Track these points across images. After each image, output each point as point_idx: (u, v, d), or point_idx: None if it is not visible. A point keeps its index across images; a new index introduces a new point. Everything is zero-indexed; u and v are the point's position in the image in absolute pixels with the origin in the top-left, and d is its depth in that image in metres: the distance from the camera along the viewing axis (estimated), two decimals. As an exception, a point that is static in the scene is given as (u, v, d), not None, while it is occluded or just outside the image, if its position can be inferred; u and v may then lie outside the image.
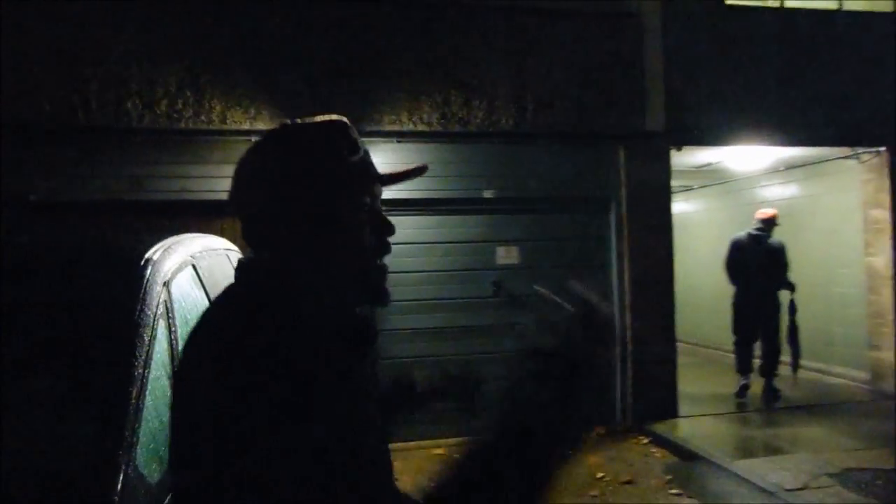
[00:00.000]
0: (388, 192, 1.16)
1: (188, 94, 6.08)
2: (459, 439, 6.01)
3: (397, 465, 1.17)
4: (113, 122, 5.97)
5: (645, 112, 6.82)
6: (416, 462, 5.87)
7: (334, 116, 1.14)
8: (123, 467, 1.70)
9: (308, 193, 1.06)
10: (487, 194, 6.66)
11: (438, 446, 6.29)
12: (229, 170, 1.14)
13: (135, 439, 1.77)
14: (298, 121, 1.13)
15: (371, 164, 1.14)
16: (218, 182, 5.94)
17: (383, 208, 1.16)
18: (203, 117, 6.10)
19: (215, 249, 3.13)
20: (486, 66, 6.50)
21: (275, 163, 1.09)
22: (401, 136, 6.41)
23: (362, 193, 1.11)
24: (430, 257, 6.58)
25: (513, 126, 6.56)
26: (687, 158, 7.60)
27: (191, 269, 2.60)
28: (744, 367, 7.36)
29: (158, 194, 6.14)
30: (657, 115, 6.84)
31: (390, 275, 1.17)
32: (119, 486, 1.65)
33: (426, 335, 6.55)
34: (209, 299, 2.62)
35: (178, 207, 6.11)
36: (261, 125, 6.10)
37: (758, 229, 7.25)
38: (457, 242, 6.66)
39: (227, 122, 6.13)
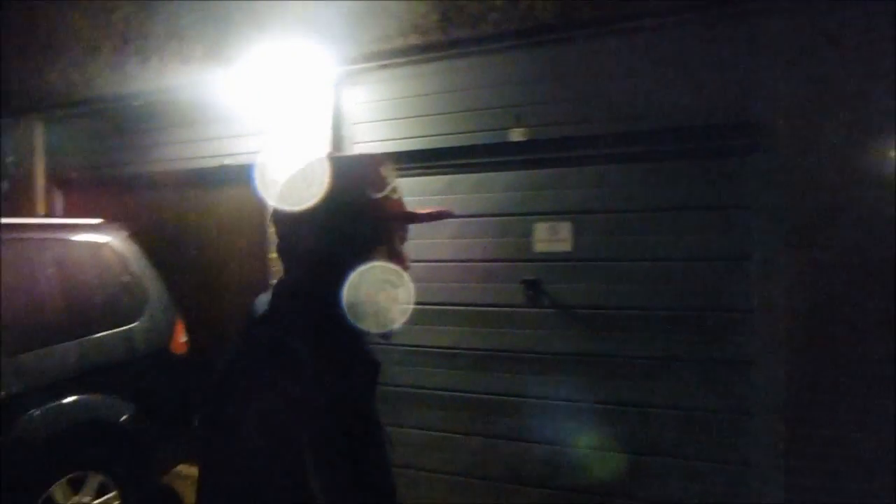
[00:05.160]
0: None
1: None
2: None
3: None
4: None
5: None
6: None
7: (374, 153, 1.44)
8: None
9: (328, 222, 1.21)
10: (516, 136, 4.02)
11: None
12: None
13: None
14: (339, 154, 1.53)
15: (393, 202, 1.26)
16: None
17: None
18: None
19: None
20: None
21: (313, 186, 1.22)
22: (386, 58, 4.29)
23: (379, 228, 1.24)
24: (430, 240, 4.29)
25: (556, 14, 3.79)
26: None
27: None
28: None
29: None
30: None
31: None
32: None
33: (431, 358, 4.32)
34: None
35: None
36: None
37: None
38: (470, 217, 4.21)
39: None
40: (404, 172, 4.30)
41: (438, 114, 4.23)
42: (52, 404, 3.58)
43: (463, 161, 4.18)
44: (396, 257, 1.27)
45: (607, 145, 3.81)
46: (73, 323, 3.80)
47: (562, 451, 3.97)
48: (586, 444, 3.92)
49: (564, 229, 3.95)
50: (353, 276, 1.19)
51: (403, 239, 1.30)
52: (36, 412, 3.47)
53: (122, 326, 4.01)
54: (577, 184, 3.92)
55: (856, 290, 3.21)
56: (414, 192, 4.31)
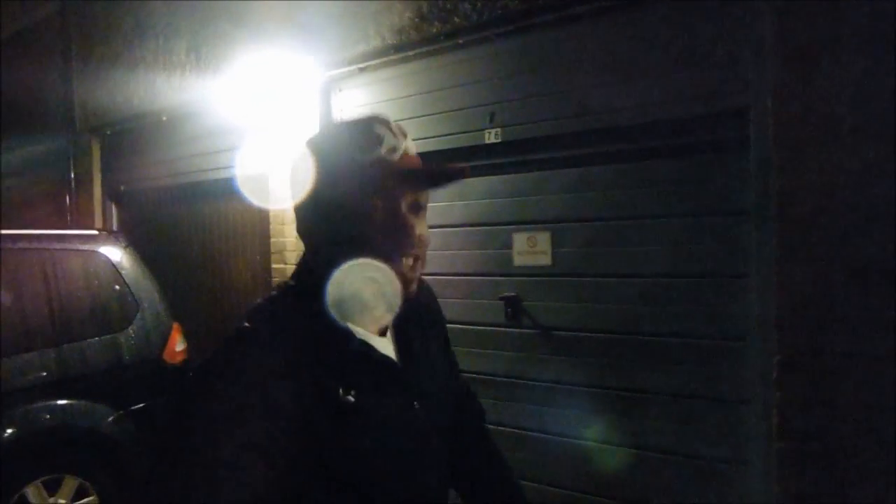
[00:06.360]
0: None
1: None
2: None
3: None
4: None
5: None
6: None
7: (370, 113, 1.12)
8: None
9: (322, 191, 1.07)
10: (491, 137, 3.64)
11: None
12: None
13: None
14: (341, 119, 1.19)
15: (391, 164, 1.07)
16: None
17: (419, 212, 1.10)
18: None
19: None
20: None
21: (304, 162, 1.09)
22: (364, 60, 4.07)
23: (376, 191, 1.06)
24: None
25: (522, 1, 3.40)
26: None
27: None
28: None
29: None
30: None
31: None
32: None
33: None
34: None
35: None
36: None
37: None
38: (437, 227, 3.86)
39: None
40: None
41: (420, 116, 3.94)
42: (27, 407, 3.69)
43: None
44: (403, 233, 1.07)
45: (585, 144, 3.35)
46: (55, 330, 3.92)
47: (541, 488, 3.53)
48: (569, 485, 3.46)
49: (543, 240, 3.52)
50: (338, 270, 1.05)
51: (418, 208, 1.10)
52: (10, 414, 3.60)
53: (108, 334, 4.09)
54: (555, 189, 3.49)
55: (860, 313, 2.55)
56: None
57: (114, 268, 4.24)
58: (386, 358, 1.11)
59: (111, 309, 4.16)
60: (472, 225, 3.79)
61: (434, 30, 3.75)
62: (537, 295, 3.56)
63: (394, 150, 1.07)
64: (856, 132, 2.58)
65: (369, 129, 1.08)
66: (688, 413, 3.11)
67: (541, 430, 3.56)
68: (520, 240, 3.61)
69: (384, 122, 1.09)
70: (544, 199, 3.52)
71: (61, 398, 3.84)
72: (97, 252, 4.23)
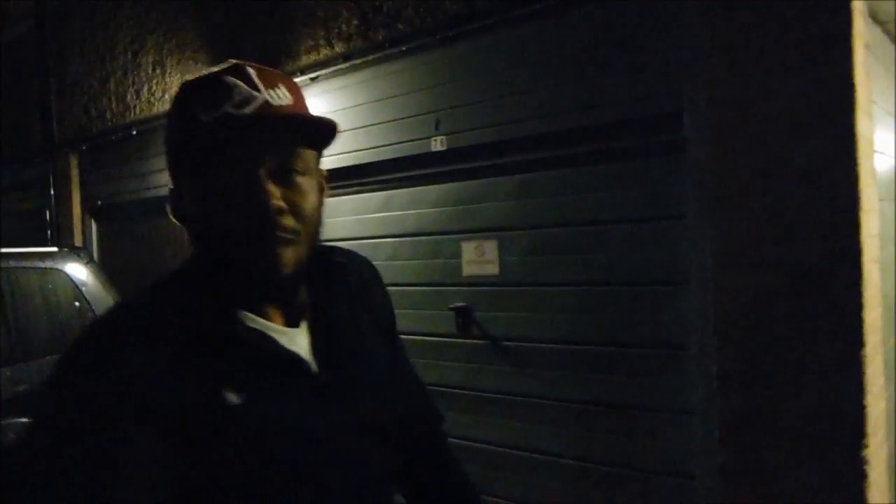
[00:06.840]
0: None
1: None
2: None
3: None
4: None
5: None
6: None
7: (233, 60, 0.92)
8: None
9: (171, 165, 0.93)
10: (437, 145, 3.58)
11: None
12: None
13: None
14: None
15: (240, 120, 0.86)
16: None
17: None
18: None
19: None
20: None
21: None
22: (316, 70, 4.02)
23: (221, 158, 0.86)
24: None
25: (464, 2, 3.33)
26: None
27: None
28: None
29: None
30: None
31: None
32: None
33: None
34: None
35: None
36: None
37: None
38: (390, 237, 3.80)
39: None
40: (343, 190, 4.02)
41: (370, 125, 3.88)
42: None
43: (395, 175, 3.82)
44: (254, 206, 0.86)
45: (528, 149, 3.27)
46: (12, 348, 3.92)
47: (488, 500, 3.45)
48: (518, 497, 3.38)
49: (490, 249, 3.45)
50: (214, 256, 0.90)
51: (286, 173, 0.89)
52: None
53: (68, 352, 4.08)
54: (499, 196, 3.42)
55: (802, 319, 2.45)
56: (355, 210, 4.02)
57: (74, 285, 4.24)
58: (286, 352, 0.92)
59: (71, 326, 4.16)
60: (420, 234, 3.73)
61: (379, 37, 3.70)
62: (487, 305, 3.49)
63: (245, 102, 0.87)
64: (794, 130, 2.49)
65: (217, 81, 0.88)
66: (632, 424, 3.02)
67: (490, 442, 3.48)
68: (468, 249, 3.54)
69: (239, 70, 0.90)
70: (490, 207, 3.46)
71: (16, 417, 3.84)
72: (57, 269, 4.23)
